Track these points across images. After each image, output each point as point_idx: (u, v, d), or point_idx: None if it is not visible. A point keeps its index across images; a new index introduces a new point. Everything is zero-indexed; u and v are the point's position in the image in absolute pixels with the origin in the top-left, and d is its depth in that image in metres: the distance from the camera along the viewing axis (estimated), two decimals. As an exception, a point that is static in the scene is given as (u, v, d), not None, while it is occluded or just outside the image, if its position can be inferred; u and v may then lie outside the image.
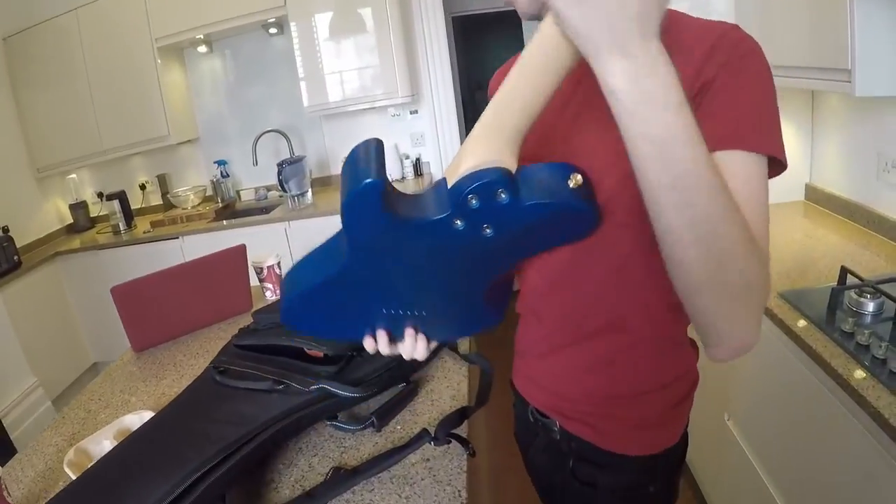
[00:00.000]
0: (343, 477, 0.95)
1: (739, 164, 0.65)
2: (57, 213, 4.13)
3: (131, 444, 0.99)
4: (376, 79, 3.61)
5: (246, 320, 1.45)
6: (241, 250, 1.76)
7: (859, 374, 1.18)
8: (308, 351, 1.16)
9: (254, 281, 1.84)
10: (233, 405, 1.02)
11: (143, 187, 4.25)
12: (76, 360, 3.78)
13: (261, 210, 3.89)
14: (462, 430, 1.05)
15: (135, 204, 4.13)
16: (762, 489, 1.60)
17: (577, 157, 0.69)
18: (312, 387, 1.03)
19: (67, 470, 1.04)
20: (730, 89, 0.66)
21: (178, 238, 3.60)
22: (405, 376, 1.19)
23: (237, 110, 4.11)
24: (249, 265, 1.81)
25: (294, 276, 0.76)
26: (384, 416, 1.07)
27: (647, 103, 0.53)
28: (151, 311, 1.65)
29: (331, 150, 4.14)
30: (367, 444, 1.05)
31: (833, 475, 1.31)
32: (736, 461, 1.77)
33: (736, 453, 1.76)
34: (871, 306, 1.35)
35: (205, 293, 1.72)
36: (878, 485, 1.14)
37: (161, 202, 4.25)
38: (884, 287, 1.37)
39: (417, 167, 4.07)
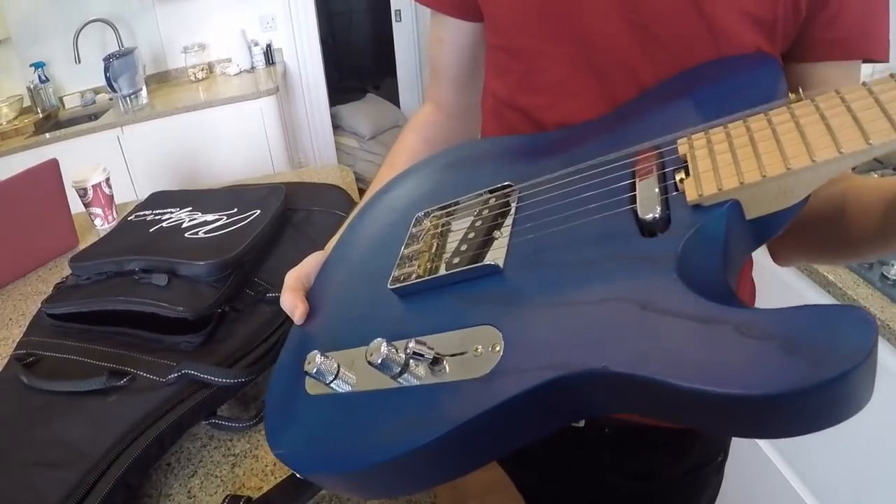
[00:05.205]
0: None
1: (845, 73, 0.61)
2: None
3: None
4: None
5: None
6: (50, 167, 1.30)
7: None
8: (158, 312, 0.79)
9: (77, 206, 1.41)
10: (52, 429, 0.66)
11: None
12: None
13: (88, 117, 3.23)
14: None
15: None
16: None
17: None
18: (171, 374, 0.69)
19: None
20: None
21: (-11, 163, 2.89)
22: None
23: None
24: (69, 186, 1.37)
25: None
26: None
27: None
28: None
29: (167, 40, 3.48)
30: (267, 446, 0.74)
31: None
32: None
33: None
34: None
35: (9, 230, 1.25)
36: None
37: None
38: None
39: (269, 55, 3.52)
